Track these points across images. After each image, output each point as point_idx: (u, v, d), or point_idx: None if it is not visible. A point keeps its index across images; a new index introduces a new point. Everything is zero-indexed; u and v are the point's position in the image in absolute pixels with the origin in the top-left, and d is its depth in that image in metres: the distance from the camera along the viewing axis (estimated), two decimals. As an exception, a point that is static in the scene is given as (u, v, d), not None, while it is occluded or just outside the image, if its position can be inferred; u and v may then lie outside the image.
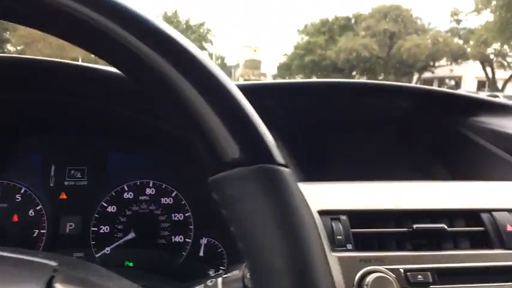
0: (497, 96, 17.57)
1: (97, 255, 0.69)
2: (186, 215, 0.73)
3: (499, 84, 20.80)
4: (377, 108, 0.95)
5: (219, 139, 0.25)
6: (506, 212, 0.57)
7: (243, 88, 0.72)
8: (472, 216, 0.57)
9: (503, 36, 18.18)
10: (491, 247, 0.54)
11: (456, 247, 0.54)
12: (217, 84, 0.26)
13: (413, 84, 1.00)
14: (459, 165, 0.89)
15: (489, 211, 0.57)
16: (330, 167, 0.94)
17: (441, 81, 30.53)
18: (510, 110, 0.85)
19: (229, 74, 53.09)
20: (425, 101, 0.91)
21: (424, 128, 0.98)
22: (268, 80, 19.84)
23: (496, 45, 19.41)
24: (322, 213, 0.53)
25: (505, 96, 16.77)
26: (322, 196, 0.56)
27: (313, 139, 0.97)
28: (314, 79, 1.27)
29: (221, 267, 0.69)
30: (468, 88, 24.69)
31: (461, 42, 21.30)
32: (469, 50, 20.52)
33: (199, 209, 0.72)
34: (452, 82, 29.49)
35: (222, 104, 0.26)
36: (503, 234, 0.55)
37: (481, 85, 26.62)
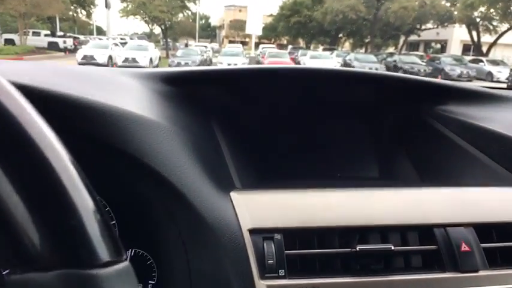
0: (481, 61, 17.62)
1: None
2: (111, 223, 0.63)
3: (484, 49, 20.91)
4: (337, 97, 0.89)
5: (21, 226, 0.20)
6: (462, 228, 0.52)
7: (190, 73, 0.71)
8: (425, 232, 0.52)
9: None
10: (443, 269, 0.50)
11: (407, 268, 0.50)
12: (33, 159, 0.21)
13: (373, 71, 0.85)
14: (424, 158, 0.85)
15: (443, 226, 0.52)
16: (285, 160, 0.90)
17: (427, 44, 30.47)
18: (479, 97, 0.78)
19: (214, 35, 51.51)
20: (387, 89, 0.85)
21: (387, 118, 0.93)
22: (253, 41, 18.68)
23: (483, 9, 19.28)
24: (253, 231, 0.48)
25: (488, 60, 16.97)
26: (256, 209, 0.50)
27: (268, 131, 0.91)
28: (269, 65, 0.84)
29: (150, 282, 0.59)
30: (454, 52, 24.78)
31: (448, 5, 21.06)
32: (455, 13, 20.34)
33: (125, 217, 0.60)
34: (438, 46, 29.51)
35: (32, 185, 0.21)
36: (457, 255, 0.50)
37: (466, 49, 26.72)
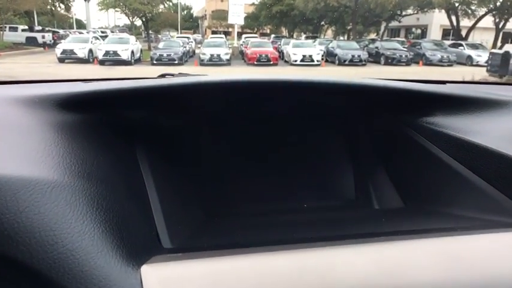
0: (460, 45, 17.87)
1: None
2: None
3: (463, 33, 21.26)
4: (305, 109, 0.82)
5: None
6: None
7: (100, 93, 0.56)
8: None
9: (468, -16, 18.30)
10: None
11: None
12: None
13: (347, 80, 0.68)
14: (406, 177, 0.76)
15: None
16: (240, 188, 0.81)
17: (408, 30, 30.78)
18: (470, 104, 0.69)
19: (197, 26, 50.86)
20: (364, 99, 0.77)
21: (365, 131, 0.86)
22: (235, 31, 18.66)
23: (461, -7, 19.55)
24: None
25: (467, 44, 17.29)
26: None
27: (217, 155, 0.82)
28: (236, 77, 0.68)
29: None
30: (434, 37, 25.13)
31: (427, -10, 21.27)
32: (435, -2, 20.58)
33: None
34: (419, 31, 29.84)
35: None
36: None
37: (446, 34, 27.13)
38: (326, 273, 0.40)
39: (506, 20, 19.09)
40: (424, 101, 0.71)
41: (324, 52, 16.53)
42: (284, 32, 32.97)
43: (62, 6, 27.80)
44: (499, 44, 19.57)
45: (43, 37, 19.64)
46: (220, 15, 37.77)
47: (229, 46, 16.73)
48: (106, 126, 0.56)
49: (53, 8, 27.07)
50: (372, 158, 0.84)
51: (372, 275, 0.40)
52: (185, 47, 16.25)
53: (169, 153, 0.71)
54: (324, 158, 0.88)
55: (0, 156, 0.40)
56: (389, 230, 0.61)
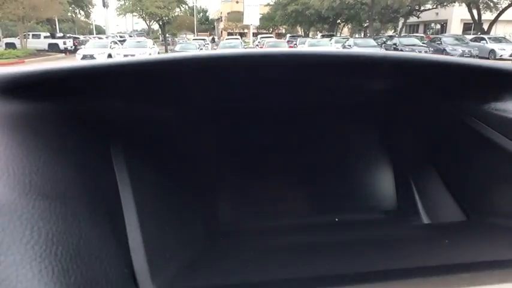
0: (483, 39, 17.46)
1: None
2: None
3: (485, 27, 20.65)
4: (349, 91, 0.63)
5: None
6: None
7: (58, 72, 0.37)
8: None
9: (489, -24, 17.80)
10: None
11: None
12: None
13: (393, 52, 0.45)
14: (470, 187, 0.57)
15: None
16: (254, 200, 0.67)
17: (427, 25, 30.14)
18: None
19: (213, 28, 51.32)
20: (413, 77, 0.56)
21: (409, 120, 0.68)
22: (251, 32, 18.68)
23: (482, -14, 19.04)
24: None
25: (490, 38, 16.79)
26: None
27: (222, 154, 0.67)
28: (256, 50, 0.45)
29: None
30: (454, 32, 24.52)
31: (447, -17, 20.80)
32: (454, -9, 20.10)
33: None
34: (438, 26, 29.15)
35: None
36: None
37: (466, 28, 26.41)
38: None
39: (531, 12, 18.43)
40: (488, 80, 0.51)
41: (341, 50, 16.38)
42: (300, 31, 32.82)
43: (82, 13, 28.70)
44: (523, 36, 18.93)
45: (64, 43, 20.20)
46: (236, 17, 37.97)
47: (245, 47, 16.81)
48: (60, 119, 0.40)
49: (74, 15, 27.94)
50: (418, 158, 0.67)
51: None
52: (201, 49, 16.45)
53: (156, 159, 0.52)
54: (356, 159, 0.70)
55: None
56: (466, 259, 0.43)
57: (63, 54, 19.24)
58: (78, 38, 23.10)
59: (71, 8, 25.63)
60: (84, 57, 13.85)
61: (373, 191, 0.70)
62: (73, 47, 19.87)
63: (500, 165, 0.51)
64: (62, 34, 23.16)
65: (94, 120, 0.45)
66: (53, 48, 19.69)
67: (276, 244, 0.57)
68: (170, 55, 0.46)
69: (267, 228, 0.65)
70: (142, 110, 0.52)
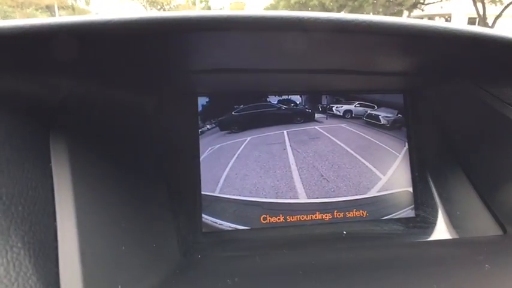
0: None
1: None
2: None
3: (489, 21, 20.46)
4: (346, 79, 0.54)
5: None
6: None
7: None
8: None
9: (496, -31, 17.59)
10: None
11: None
12: None
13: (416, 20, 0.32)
14: (500, 179, 0.49)
15: None
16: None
17: (431, 19, 29.89)
18: None
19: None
20: (437, 56, 0.46)
21: (432, 107, 0.57)
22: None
23: (488, -21, 18.84)
24: None
25: (494, 33, 16.60)
26: None
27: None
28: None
29: None
30: (458, 26, 24.31)
31: (452, -24, 20.59)
32: (460, -15, 19.89)
33: None
34: (443, 20, 28.95)
35: None
36: None
37: (471, 22, 26.21)
38: None
39: (537, 7, 18.24)
40: None
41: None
42: (302, 23, 32.55)
43: (82, 0, 28.24)
44: (528, 32, 18.78)
45: (64, 31, 20.06)
46: (239, 7, 37.60)
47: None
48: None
49: (74, 3, 27.51)
50: (440, 155, 0.56)
51: None
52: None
53: (108, 151, 0.38)
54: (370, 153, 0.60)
55: None
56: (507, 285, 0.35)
57: (63, 42, 19.00)
58: (78, 25, 22.87)
59: (71, -5, 25.34)
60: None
61: (388, 194, 0.58)
62: (73, 34, 19.67)
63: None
64: (61, 21, 22.92)
65: (34, 100, 0.33)
66: (53, 35, 19.52)
67: (268, 264, 0.46)
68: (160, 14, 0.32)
69: (257, 240, 0.55)
70: (102, 91, 0.37)
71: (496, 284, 0.37)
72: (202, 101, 0.56)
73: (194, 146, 0.55)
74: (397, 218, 0.58)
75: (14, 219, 0.25)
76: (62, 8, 26.25)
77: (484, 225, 0.49)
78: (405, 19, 0.38)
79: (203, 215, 0.55)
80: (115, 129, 0.41)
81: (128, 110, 0.43)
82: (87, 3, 29.51)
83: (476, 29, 0.40)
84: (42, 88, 0.33)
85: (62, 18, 0.30)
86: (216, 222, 0.55)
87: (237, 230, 0.56)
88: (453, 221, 0.53)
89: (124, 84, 0.41)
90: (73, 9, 28.87)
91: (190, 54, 0.37)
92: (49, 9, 24.71)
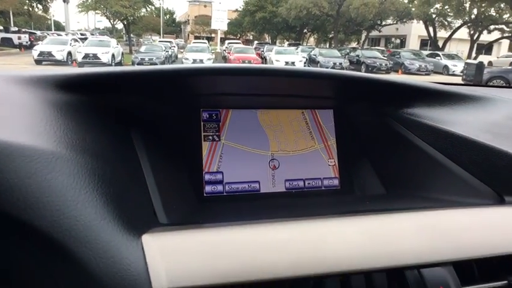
0: (437, 55, 18.37)
1: None
2: None
3: (440, 43, 21.92)
4: (290, 100, 0.79)
5: None
6: (439, 268, 0.45)
7: (95, 76, 0.57)
8: (393, 276, 0.45)
9: (444, -4, 18.93)
10: None
11: None
12: None
13: (334, 70, 0.69)
14: (389, 166, 0.77)
15: (417, 267, 0.44)
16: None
17: (388, 39, 31.51)
18: (449, 98, 0.73)
19: (180, 30, 50.67)
20: (349, 90, 0.77)
21: (349, 122, 0.83)
22: (218, 37, 18.59)
23: (438, 5, 20.19)
24: None
25: (444, 55, 17.85)
26: (176, 259, 0.41)
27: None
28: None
29: None
30: (412, 46, 25.81)
31: (406, 1, 21.89)
32: (413, 9, 21.17)
33: None
34: (398, 41, 30.59)
35: None
36: None
37: (423, 44, 27.93)
38: (318, 242, 0.45)
39: (480, 32, 19.80)
40: (406, 93, 0.73)
41: (306, 59, 16.71)
42: (267, 38, 33.18)
43: (40, 7, 27.14)
44: (473, 54, 20.26)
45: (19, 38, 19.12)
46: (203, 21, 37.66)
47: (212, 51, 16.69)
48: (101, 108, 0.57)
49: (30, 9, 26.40)
50: (355, 149, 0.83)
51: (361, 243, 0.45)
52: (167, 51, 16.10)
53: (164, 139, 0.70)
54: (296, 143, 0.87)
55: (7, 128, 0.41)
56: (375, 208, 0.63)
57: (18, 50, 18.17)
58: (35, 33, 21.89)
59: (27, 1, 24.27)
60: (42, 54, 13.12)
61: (321, 173, 0.84)
62: (29, 42, 18.79)
63: (406, 153, 0.72)
64: (16, 28, 21.86)
65: (119, 108, 0.61)
66: (7, 43, 18.53)
67: (253, 204, 0.73)
68: (188, 66, 0.63)
69: (246, 195, 0.76)
70: (155, 104, 0.69)
71: (371, 206, 0.69)
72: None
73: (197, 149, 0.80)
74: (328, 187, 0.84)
75: (125, 169, 0.53)
76: (17, 14, 25.13)
77: (376, 188, 0.78)
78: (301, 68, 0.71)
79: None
80: (162, 128, 0.70)
81: (169, 118, 0.73)
82: (46, 10, 28.39)
83: (355, 73, 0.70)
84: (128, 103, 0.63)
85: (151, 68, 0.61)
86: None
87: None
88: (359, 187, 0.82)
89: (165, 101, 0.72)
90: (30, 16, 27.70)
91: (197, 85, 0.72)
92: (3, 15, 23.57)
